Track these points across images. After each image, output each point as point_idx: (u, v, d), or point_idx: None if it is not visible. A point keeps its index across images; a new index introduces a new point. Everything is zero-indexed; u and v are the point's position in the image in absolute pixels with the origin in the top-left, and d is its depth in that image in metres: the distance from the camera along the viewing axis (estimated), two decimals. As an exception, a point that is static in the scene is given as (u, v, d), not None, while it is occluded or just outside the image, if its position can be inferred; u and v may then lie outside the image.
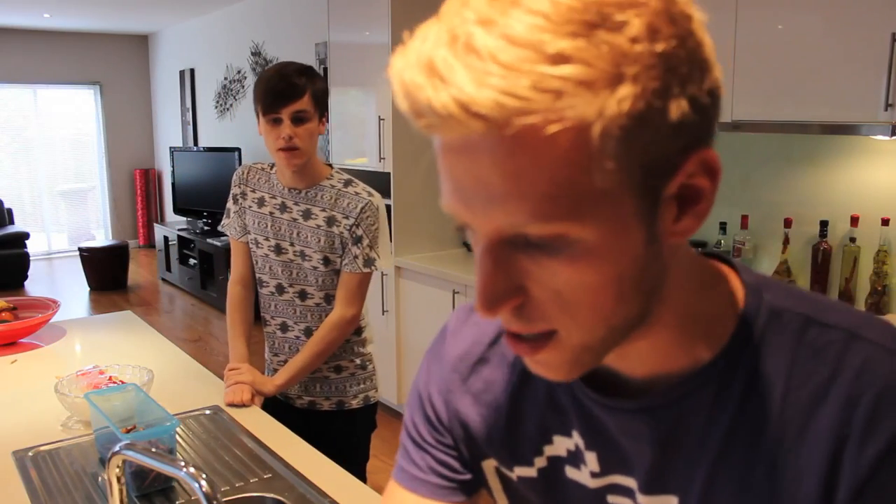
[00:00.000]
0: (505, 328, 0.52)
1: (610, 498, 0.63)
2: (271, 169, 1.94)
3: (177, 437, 1.55)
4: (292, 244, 1.88)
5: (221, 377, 1.90)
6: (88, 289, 6.98)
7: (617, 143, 0.43)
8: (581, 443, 0.63)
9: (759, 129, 2.55)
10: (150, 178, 8.92)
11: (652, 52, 0.42)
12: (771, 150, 2.82)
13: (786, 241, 2.74)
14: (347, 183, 1.88)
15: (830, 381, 0.52)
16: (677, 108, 0.44)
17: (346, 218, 1.84)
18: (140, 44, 8.83)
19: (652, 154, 0.44)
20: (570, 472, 0.65)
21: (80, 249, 6.97)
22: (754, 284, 0.57)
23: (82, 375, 1.79)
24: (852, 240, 2.57)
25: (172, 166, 7.10)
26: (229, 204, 2.01)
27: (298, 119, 1.77)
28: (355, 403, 1.97)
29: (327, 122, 1.88)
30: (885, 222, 2.48)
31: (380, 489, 1.54)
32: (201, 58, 7.41)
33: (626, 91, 0.42)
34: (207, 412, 1.74)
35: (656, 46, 0.43)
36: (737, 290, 0.57)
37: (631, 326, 0.52)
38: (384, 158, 3.71)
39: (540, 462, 0.66)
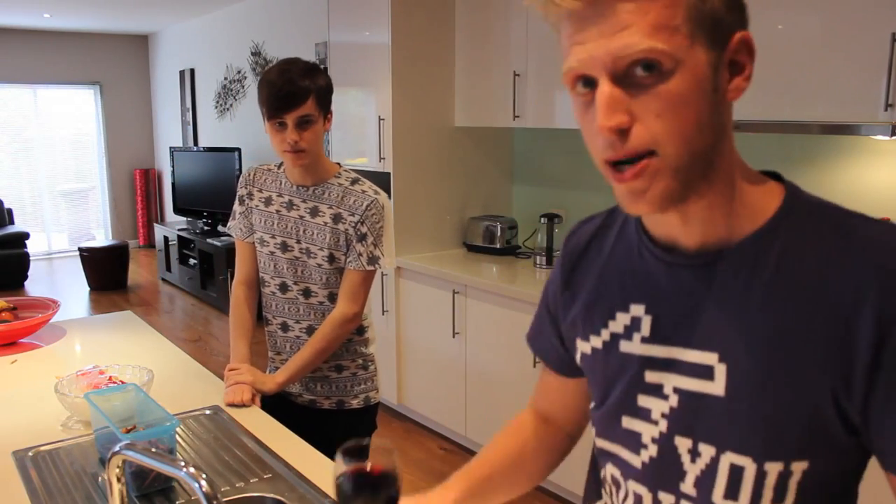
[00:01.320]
0: (610, 158, 0.69)
1: (648, 374, 0.79)
2: (279, 168, 1.96)
3: (177, 437, 1.55)
4: (298, 241, 1.89)
5: (221, 377, 1.90)
6: (88, 289, 6.98)
7: (691, 6, 0.66)
8: (641, 309, 0.80)
9: (759, 129, 2.55)
10: (150, 178, 8.92)
11: None
12: (771, 150, 2.82)
13: (786, 241, 2.74)
14: (355, 181, 1.90)
15: (851, 250, 0.68)
16: None
17: (352, 215, 1.85)
18: (140, 44, 8.84)
19: (713, 23, 0.67)
20: (624, 345, 0.81)
21: (80, 249, 6.97)
22: (794, 187, 0.75)
23: (82, 375, 1.79)
24: (852, 240, 2.57)
25: (172, 166, 7.11)
26: (235, 206, 2.02)
27: (303, 122, 1.78)
28: (356, 403, 1.98)
29: (332, 117, 1.89)
30: (885, 222, 2.48)
31: (380, 489, 1.54)
32: (201, 58, 7.41)
33: None
34: (207, 412, 1.74)
35: None
36: (779, 188, 0.75)
37: (703, 168, 0.70)
38: (384, 158, 3.71)
39: (605, 335, 0.84)
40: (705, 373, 0.74)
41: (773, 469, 0.71)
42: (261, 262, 1.97)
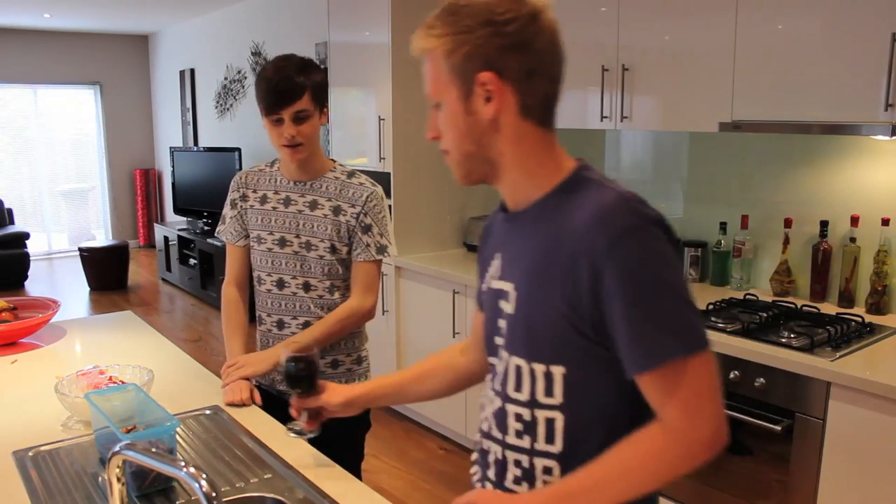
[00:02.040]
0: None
1: (500, 302, 1.07)
2: (272, 167, 1.99)
3: (177, 437, 1.55)
4: (298, 236, 1.91)
5: (221, 377, 1.90)
6: (88, 289, 6.98)
7: (443, 59, 1.01)
8: (500, 256, 1.10)
9: (759, 129, 2.55)
10: (150, 178, 8.92)
11: (458, 32, 0.99)
12: (771, 150, 2.82)
13: (786, 241, 2.74)
14: (351, 174, 1.95)
15: (587, 213, 0.95)
16: (464, 50, 0.99)
17: (353, 206, 1.88)
18: (140, 44, 8.84)
19: (459, 67, 1.00)
20: (493, 283, 1.11)
21: (81, 249, 6.97)
22: (582, 169, 1.04)
23: (82, 375, 1.79)
24: (852, 240, 2.57)
25: (172, 166, 7.11)
26: (225, 210, 2.04)
27: (300, 118, 1.82)
28: (351, 401, 1.98)
29: (328, 111, 1.93)
30: (885, 222, 2.48)
31: (378, 488, 1.54)
32: (201, 58, 7.41)
33: (445, 39, 1.00)
34: (207, 412, 1.74)
35: (476, 34, 0.99)
36: (570, 169, 1.04)
37: (480, 161, 1.04)
38: (384, 158, 3.71)
39: (487, 278, 1.13)
40: (506, 297, 1.05)
41: (539, 369, 1.01)
42: (257, 261, 1.98)
